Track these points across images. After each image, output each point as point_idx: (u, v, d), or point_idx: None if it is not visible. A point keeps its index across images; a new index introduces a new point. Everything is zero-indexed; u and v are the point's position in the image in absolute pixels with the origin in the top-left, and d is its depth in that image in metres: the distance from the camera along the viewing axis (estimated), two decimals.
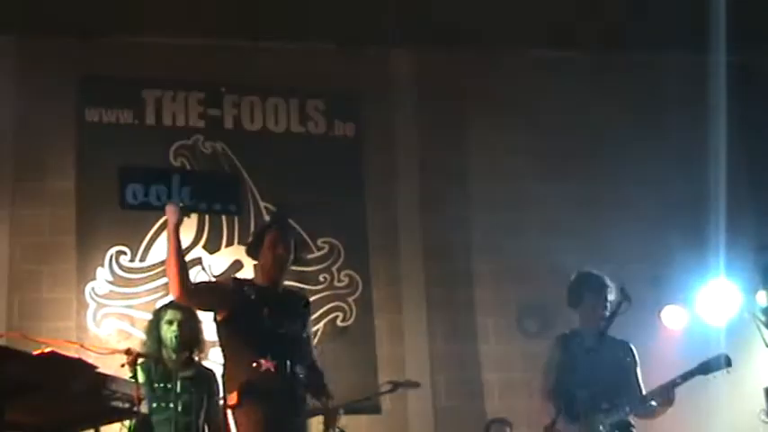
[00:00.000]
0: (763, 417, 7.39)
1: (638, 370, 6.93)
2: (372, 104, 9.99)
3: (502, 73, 9.91)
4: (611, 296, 6.86)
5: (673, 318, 9.28)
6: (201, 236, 9.32)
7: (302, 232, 9.28)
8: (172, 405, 6.65)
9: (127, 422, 6.24)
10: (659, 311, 9.17)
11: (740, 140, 9.63)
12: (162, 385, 6.69)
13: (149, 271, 9.12)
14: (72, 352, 5.51)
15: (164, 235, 8.95)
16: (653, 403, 6.68)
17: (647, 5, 8.99)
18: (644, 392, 6.80)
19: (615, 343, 6.93)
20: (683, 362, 6.87)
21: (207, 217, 9.24)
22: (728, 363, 6.58)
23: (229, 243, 9.41)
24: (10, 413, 4.46)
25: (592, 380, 6.66)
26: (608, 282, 6.89)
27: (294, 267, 8.81)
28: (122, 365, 5.99)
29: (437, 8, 9.21)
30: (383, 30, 9.47)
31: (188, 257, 8.88)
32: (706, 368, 6.62)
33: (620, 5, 9.13)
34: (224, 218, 9.28)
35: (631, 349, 6.98)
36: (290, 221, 6.84)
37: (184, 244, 8.70)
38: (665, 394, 6.65)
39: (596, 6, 9.14)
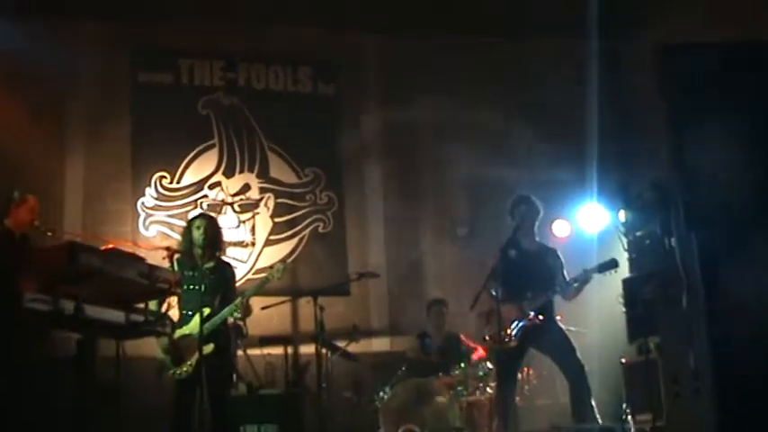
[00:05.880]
0: (620, 300, 7.54)
1: (564, 270, 7.56)
2: (347, 72, 10.87)
3: (433, 53, 10.82)
4: (541, 213, 7.62)
5: (560, 229, 10.16)
6: (221, 164, 10.24)
7: (293, 162, 10.37)
8: (196, 287, 7.22)
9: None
10: (551, 223, 9.83)
11: (611, 110, 10.40)
12: (190, 273, 7.34)
13: (183, 190, 10.08)
14: (128, 248, 6.52)
15: (196, 162, 10.03)
16: (575, 285, 7.43)
17: None
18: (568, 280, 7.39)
19: (544, 248, 7.76)
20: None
21: (226, 149, 10.21)
22: (617, 264, 7.30)
23: (241, 170, 10.26)
24: (84, 292, 4.92)
25: (521, 275, 7.38)
26: (536, 202, 7.64)
27: (287, 189, 10.24)
28: (164, 258, 6.63)
29: (396, 4, 10.01)
30: (357, 18, 10.42)
31: (211, 181, 10.09)
32: (602, 267, 7.38)
33: None
34: (237, 150, 10.21)
35: (556, 253, 7.69)
36: None
37: (208, 171, 10.05)
38: (582, 279, 7.36)
39: None
